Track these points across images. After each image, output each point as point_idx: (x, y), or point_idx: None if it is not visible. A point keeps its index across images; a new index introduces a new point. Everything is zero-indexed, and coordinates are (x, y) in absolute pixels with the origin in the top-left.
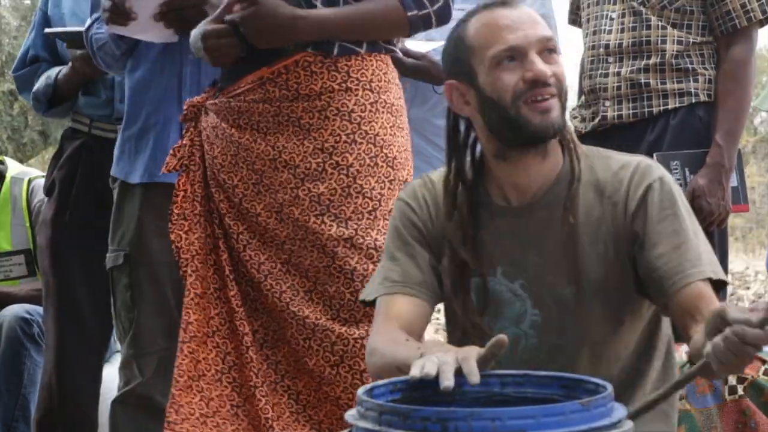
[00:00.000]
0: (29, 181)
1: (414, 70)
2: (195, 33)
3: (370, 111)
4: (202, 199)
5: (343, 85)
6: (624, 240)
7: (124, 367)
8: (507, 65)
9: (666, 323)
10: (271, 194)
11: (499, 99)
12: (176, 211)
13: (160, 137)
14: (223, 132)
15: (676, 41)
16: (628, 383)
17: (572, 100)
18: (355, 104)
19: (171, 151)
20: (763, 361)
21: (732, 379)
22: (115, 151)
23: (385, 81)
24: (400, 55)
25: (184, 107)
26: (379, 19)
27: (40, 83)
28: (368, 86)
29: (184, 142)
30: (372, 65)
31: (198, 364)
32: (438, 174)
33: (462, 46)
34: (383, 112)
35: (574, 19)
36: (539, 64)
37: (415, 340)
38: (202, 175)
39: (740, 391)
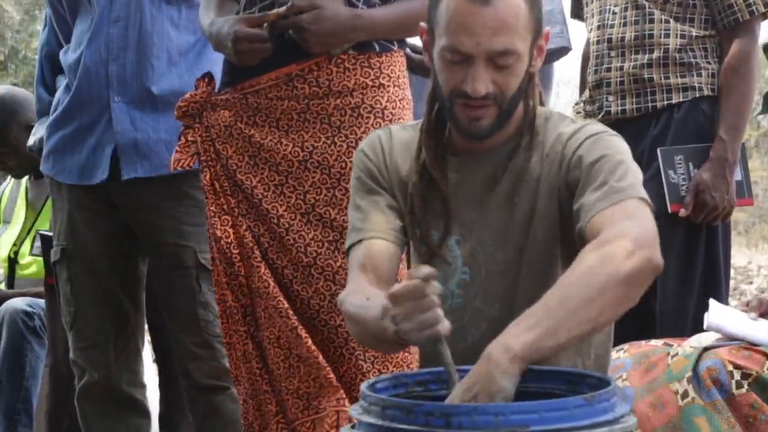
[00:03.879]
0: None
1: (422, 66)
2: (221, 30)
3: (399, 107)
4: (231, 193)
5: (376, 81)
6: (559, 194)
7: (74, 362)
8: (452, 63)
9: None
10: (298, 195)
11: (440, 84)
12: (213, 208)
13: (90, 141)
14: (239, 132)
15: (678, 35)
16: (563, 355)
17: (574, 94)
18: (387, 101)
19: (178, 148)
20: (767, 356)
21: (737, 375)
22: (47, 146)
23: (405, 77)
24: (410, 51)
25: (181, 103)
26: (421, 17)
27: (36, 135)
28: (397, 83)
29: (191, 138)
30: (399, 61)
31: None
32: (399, 125)
33: (434, 8)
34: (407, 109)
35: (578, 13)
36: (477, 81)
37: (386, 282)
38: (222, 170)
39: (746, 387)
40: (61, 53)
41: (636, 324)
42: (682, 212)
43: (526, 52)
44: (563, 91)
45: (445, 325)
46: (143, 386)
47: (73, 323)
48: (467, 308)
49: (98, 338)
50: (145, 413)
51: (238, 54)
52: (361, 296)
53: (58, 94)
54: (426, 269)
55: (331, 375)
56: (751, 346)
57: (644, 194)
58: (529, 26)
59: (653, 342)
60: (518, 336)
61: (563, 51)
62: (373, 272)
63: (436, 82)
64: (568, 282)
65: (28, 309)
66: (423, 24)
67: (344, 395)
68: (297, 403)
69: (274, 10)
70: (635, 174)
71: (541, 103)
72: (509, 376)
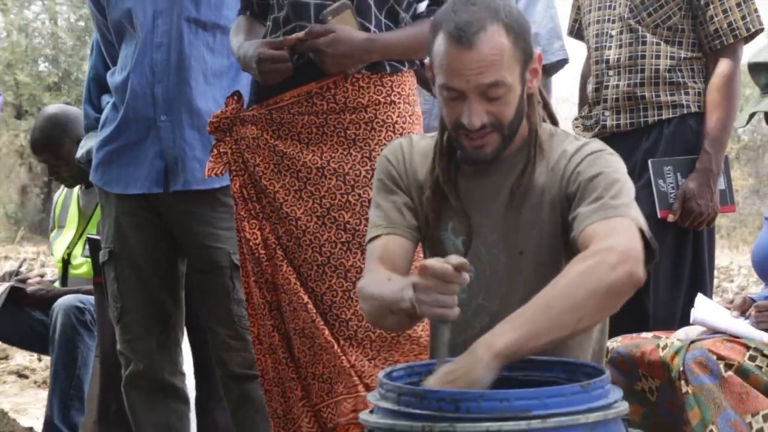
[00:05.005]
0: None
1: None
2: (247, 53)
3: (409, 122)
4: (257, 199)
5: (388, 98)
6: (560, 205)
7: (121, 353)
8: (450, 99)
9: None
10: (315, 200)
11: (444, 116)
12: (241, 212)
13: (136, 155)
14: (266, 142)
15: (669, 57)
16: (565, 351)
17: (572, 110)
18: (398, 116)
19: (211, 158)
20: (748, 347)
21: (720, 364)
22: (96, 159)
23: (414, 95)
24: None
25: (213, 119)
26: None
27: (83, 149)
28: (407, 100)
29: (222, 150)
30: (408, 80)
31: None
32: (419, 135)
33: (430, 47)
34: (416, 124)
35: (578, 33)
36: (473, 115)
37: (400, 274)
38: (249, 178)
39: (730, 373)
40: (108, 74)
41: (630, 319)
42: (671, 218)
43: (516, 81)
44: (562, 107)
45: (455, 312)
46: (183, 375)
47: (120, 318)
48: (471, 303)
49: (142, 331)
50: (185, 399)
51: (262, 74)
52: (384, 276)
53: (106, 112)
54: (462, 260)
55: (346, 363)
56: (732, 338)
57: (635, 214)
58: (515, 57)
59: (644, 334)
60: (502, 336)
61: (562, 63)
62: (389, 264)
63: (441, 113)
64: (553, 290)
65: (80, 305)
66: (427, 60)
67: (358, 382)
68: (321, 387)
69: (294, 35)
70: (629, 193)
71: (552, 117)
72: (488, 370)
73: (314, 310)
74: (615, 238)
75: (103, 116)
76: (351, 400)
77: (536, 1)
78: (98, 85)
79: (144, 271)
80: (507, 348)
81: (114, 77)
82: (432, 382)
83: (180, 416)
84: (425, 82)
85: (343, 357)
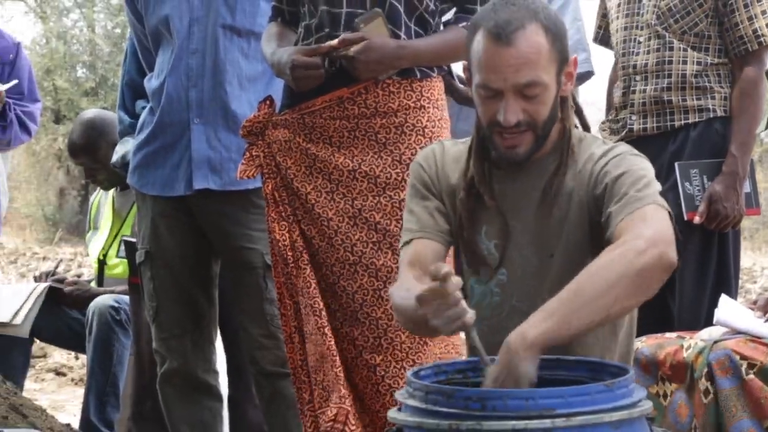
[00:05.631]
0: None
1: (468, 98)
2: (281, 59)
3: (438, 126)
4: (288, 202)
5: (418, 103)
6: (588, 207)
7: (156, 351)
8: (486, 98)
9: None
10: (346, 201)
11: (479, 115)
12: (272, 214)
13: (172, 158)
14: (298, 145)
15: (695, 62)
16: (591, 352)
17: (597, 114)
18: (427, 120)
19: (243, 161)
20: None
21: (744, 365)
22: (133, 162)
23: (443, 100)
24: (458, 83)
25: (246, 123)
26: (459, 48)
27: (118, 154)
28: (436, 104)
29: (254, 153)
30: (437, 85)
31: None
32: (451, 141)
33: (469, 47)
34: (445, 128)
35: (603, 39)
36: (509, 113)
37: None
38: (281, 182)
39: (752, 375)
40: (145, 80)
41: (655, 320)
42: (697, 220)
43: (552, 81)
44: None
45: (469, 316)
46: (216, 372)
47: (155, 317)
48: (505, 306)
49: (176, 330)
50: (218, 396)
51: (296, 80)
52: (404, 289)
53: (143, 116)
54: (444, 268)
55: (341, 374)
56: (756, 338)
57: (662, 201)
58: (552, 58)
59: (668, 334)
60: (534, 326)
61: (588, 75)
62: (420, 267)
63: (477, 113)
64: (584, 277)
65: (115, 304)
66: (464, 62)
67: (348, 394)
68: (321, 394)
69: (328, 43)
70: (655, 186)
71: (585, 124)
72: (527, 362)
73: (325, 318)
74: (644, 226)
75: (140, 121)
76: (334, 408)
77: (564, 12)
78: (132, 91)
79: (178, 271)
80: (539, 337)
81: (150, 82)
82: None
83: (213, 413)
84: (449, 89)
85: (342, 368)
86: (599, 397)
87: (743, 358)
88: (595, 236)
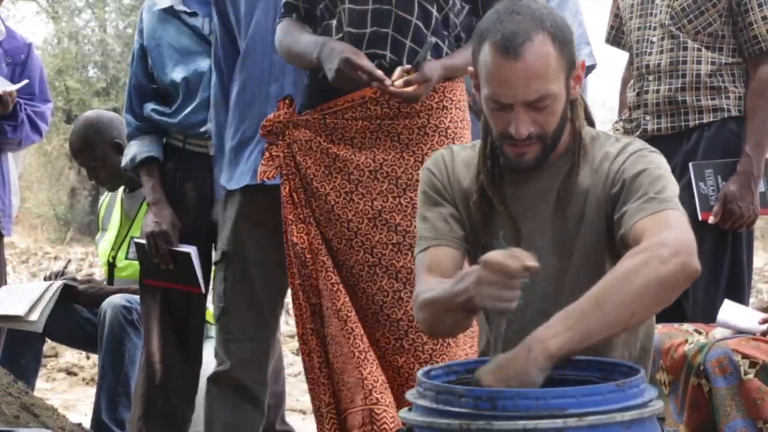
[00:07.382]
0: None
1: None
2: (335, 47)
3: (460, 127)
4: (306, 203)
5: (440, 104)
6: (605, 206)
7: (217, 351)
8: (496, 110)
9: None
10: (366, 202)
11: (489, 126)
12: (290, 216)
13: (253, 149)
14: (318, 145)
15: (709, 62)
16: (612, 348)
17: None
18: (450, 121)
19: (263, 161)
20: None
21: (745, 364)
22: (219, 162)
23: (464, 101)
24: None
25: (266, 122)
26: None
27: (127, 156)
28: (458, 105)
29: (274, 153)
30: (459, 87)
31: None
32: (460, 145)
33: (476, 56)
34: (467, 129)
35: (615, 40)
36: (521, 126)
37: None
38: (300, 183)
39: (752, 375)
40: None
41: (668, 319)
42: (711, 219)
43: (562, 89)
44: (599, 111)
45: (514, 305)
46: (265, 384)
47: (219, 317)
48: (528, 309)
49: (237, 335)
50: (261, 410)
51: (339, 72)
52: (435, 282)
53: (230, 111)
54: (530, 260)
55: (364, 374)
56: (759, 338)
57: (680, 206)
58: (560, 66)
59: (686, 325)
60: (557, 336)
61: (590, 69)
62: (438, 274)
63: (485, 119)
64: (604, 287)
65: (127, 304)
66: (470, 68)
67: (371, 394)
68: (347, 395)
69: (390, 79)
70: (673, 188)
71: (589, 119)
72: (543, 371)
73: (345, 319)
74: (666, 232)
75: (229, 117)
76: (360, 412)
77: (564, 8)
78: (139, 93)
79: (252, 277)
80: (561, 349)
81: (234, 82)
82: (485, 377)
83: (252, 425)
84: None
85: (361, 369)
86: (610, 396)
87: (744, 356)
88: (612, 234)
